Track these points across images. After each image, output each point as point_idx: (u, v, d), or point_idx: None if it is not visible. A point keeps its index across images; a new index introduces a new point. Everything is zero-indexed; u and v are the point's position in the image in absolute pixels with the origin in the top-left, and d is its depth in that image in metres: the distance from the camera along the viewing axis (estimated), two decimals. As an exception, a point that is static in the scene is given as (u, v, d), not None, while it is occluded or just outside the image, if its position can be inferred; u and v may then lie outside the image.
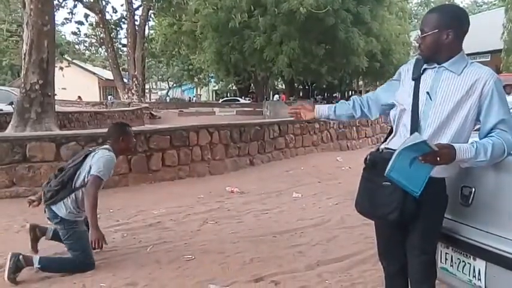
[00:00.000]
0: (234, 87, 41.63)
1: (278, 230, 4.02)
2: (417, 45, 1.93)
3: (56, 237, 3.28)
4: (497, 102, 1.77)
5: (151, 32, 30.78)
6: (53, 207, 3.07)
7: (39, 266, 2.96)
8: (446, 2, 37.42)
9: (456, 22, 1.82)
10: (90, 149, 3.26)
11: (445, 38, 1.80)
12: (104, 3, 22.68)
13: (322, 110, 2.22)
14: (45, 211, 3.15)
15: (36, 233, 3.28)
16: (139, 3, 23.21)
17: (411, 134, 1.80)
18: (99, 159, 3.05)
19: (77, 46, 30.25)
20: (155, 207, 4.82)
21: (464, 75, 1.80)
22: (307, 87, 33.29)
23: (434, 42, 1.81)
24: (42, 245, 3.34)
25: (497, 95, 1.77)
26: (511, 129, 1.78)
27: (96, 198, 2.97)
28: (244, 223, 4.30)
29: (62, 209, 3.05)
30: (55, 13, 10.84)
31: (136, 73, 23.55)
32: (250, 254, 3.39)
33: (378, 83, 32.13)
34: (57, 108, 10.37)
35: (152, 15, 25.34)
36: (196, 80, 42.62)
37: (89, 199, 2.95)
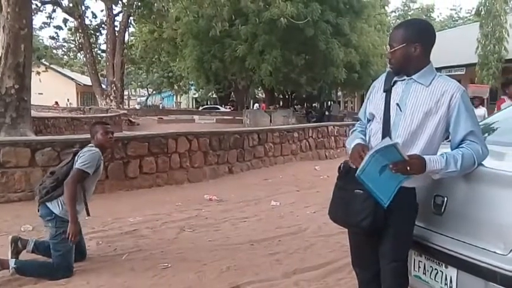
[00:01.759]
0: (214, 95, 41.57)
1: (256, 238, 4.01)
2: (387, 60, 1.98)
3: (37, 250, 3.25)
4: (465, 115, 1.83)
5: (131, 38, 30.57)
6: (48, 204, 3.10)
7: (14, 267, 2.93)
8: (423, 16, 38.48)
9: (423, 35, 1.90)
10: (79, 148, 3.35)
11: (413, 51, 1.87)
12: (83, 8, 22.43)
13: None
14: (38, 210, 3.17)
15: (18, 246, 3.21)
16: (120, 9, 23.06)
17: None
18: (83, 154, 3.16)
19: (54, 51, 29.78)
20: (132, 214, 4.75)
21: (433, 87, 1.87)
22: (287, 96, 33.54)
23: (403, 56, 1.88)
24: (23, 257, 3.21)
25: (464, 108, 1.83)
26: (480, 140, 1.84)
27: (73, 191, 3.03)
28: (221, 231, 4.28)
29: (57, 206, 3.08)
30: (33, 17, 10.66)
31: (115, 79, 23.32)
32: (227, 262, 3.38)
33: (356, 93, 32.60)
34: (33, 113, 10.16)
35: (132, 22, 25.20)
36: (176, 87, 42.42)
37: (66, 191, 3.03)
